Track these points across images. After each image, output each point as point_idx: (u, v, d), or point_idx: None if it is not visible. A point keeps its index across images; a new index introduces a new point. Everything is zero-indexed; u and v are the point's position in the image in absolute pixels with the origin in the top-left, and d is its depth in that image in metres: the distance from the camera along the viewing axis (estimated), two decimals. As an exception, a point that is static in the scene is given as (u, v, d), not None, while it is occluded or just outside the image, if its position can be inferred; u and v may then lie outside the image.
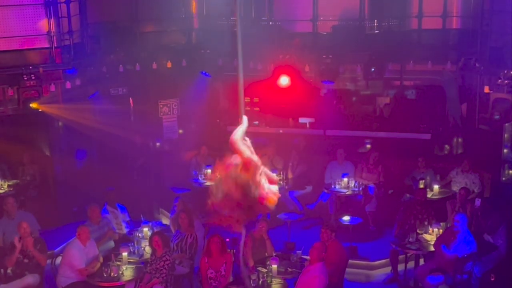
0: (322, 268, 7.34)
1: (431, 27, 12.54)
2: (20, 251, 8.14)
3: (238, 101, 4.01)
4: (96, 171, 11.51)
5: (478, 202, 9.40)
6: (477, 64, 11.33)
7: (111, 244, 9.06)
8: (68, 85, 10.82)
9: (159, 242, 8.01)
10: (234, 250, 8.53)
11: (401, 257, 9.16)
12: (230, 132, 3.86)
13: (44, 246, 8.40)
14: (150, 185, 11.30)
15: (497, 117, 11.38)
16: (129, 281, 7.96)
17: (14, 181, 10.68)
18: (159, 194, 11.10)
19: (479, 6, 11.75)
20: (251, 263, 8.06)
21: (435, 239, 8.66)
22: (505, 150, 10.34)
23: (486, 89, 11.07)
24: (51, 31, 10.30)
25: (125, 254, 8.19)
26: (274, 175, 4.00)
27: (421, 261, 8.99)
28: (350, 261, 8.47)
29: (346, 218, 9.80)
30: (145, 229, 9.02)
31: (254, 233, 8.40)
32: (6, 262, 8.16)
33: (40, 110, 10.48)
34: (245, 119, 3.95)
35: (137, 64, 12.12)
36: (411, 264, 9.11)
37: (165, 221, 10.52)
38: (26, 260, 8.19)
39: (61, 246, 9.67)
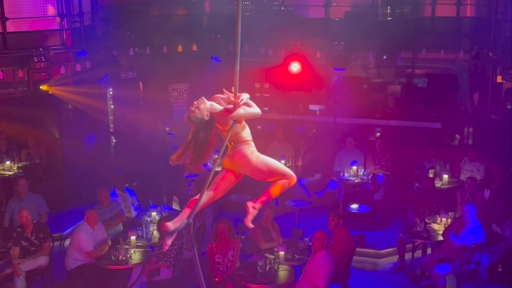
0: (325, 256, 7.34)
1: (444, 15, 12.39)
2: (24, 238, 8.21)
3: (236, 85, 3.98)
4: (106, 155, 11.53)
5: (487, 193, 9.37)
6: (490, 53, 11.19)
7: (120, 227, 9.11)
8: (78, 67, 10.81)
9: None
10: (243, 236, 8.56)
11: (408, 246, 9.15)
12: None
13: (48, 234, 8.43)
14: (159, 170, 11.27)
15: (509, 107, 11.29)
16: (136, 264, 8.01)
17: (24, 162, 10.73)
18: (168, 179, 11.09)
19: (494, -6, 11.59)
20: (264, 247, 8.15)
21: (443, 228, 8.64)
22: (516, 141, 10.26)
23: (499, 79, 10.95)
24: (61, 13, 10.27)
25: (133, 237, 8.23)
26: None
27: (428, 251, 8.98)
28: (357, 249, 8.49)
29: (354, 206, 9.79)
30: (154, 214, 9.05)
31: (261, 221, 8.41)
32: (12, 250, 8.23)
33: (50, 92, 10.49)
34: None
35: (148, 47, 12.08)
36: (418, 253, 9.11)
37: (175, 206, 10.54)
38: (32, 248, 8.25)
39: (70, 229, 9.74)
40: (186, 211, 3.97)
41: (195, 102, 3.91)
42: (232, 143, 4.02)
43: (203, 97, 3.95)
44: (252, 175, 4.07)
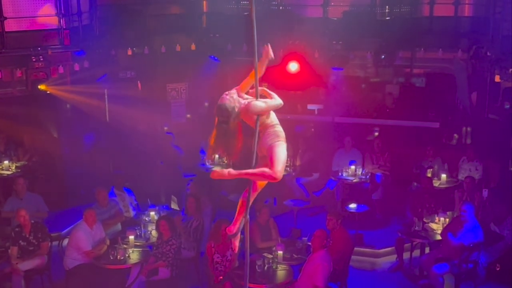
0: (324, 255, 7.35)
1: (443, 14, 12.40)
2: (23, 238, 8.21)
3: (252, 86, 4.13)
4: (104, 154, 11.51)
5: (485, 193, 9.38)
6: (488, 53, 11.20)
7: (118, 227, 9.11)
8: (76, 67, 10.80)
9: (166, 227, 8.04)
10: (242, 236, 8.54)
11: (406, 245, 9.16)
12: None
13: (46, 234, 8.41)
14: (158, 169, 11.28)
15: (507, 106, 11.30)
16: (135, 264, 8.01)
17: (22, 162, 10.72)
18: (166, 178, 11.09)
19: (492, -6, 11.60)
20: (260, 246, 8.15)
21: (441, 228, 8.66)
22: (514, 140, 10.29)
23: (497, 78, 10.96)
24: (60, 13, 10.26)
25: (131, 237, 8.24)
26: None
27: (427, 250, 8.99)
28: (355, 248, 8.50)
29: (353, 205, 9.80)
30: (152, 213, 9.05)
31: (259, 220, 8.42)
32: (10, 250, 8.22)
33: (48, 92, 10.48)
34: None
35: (146, 47, 12.07)
36: (416, 253, 9.13)
37: (174, 205, 10.56)
38: (30, 248, 8.25)
39: (68, 228, 9.74)
40: (241, 212, 4.13)
41: (227, 92, 4.02)
42: (262, 131, 4.11)
43: (235, 89, 4.08)
44: (265, 152, 4.09)
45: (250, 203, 4.12)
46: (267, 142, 4.06)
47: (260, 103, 4.02)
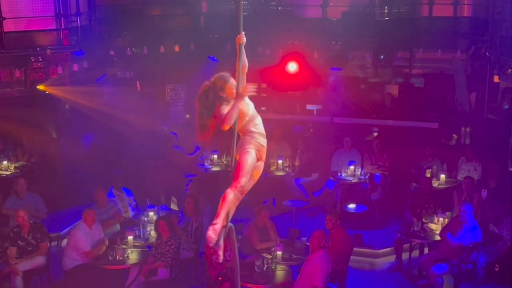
0: (323, 256, 7.35)
1: (441, 15, 12.41)
2: (21, 238, 8.21)
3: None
4: (103, 154, 11.52)
5: (484, 193, 9.38)
6: (487, 53, 11.21)
7: (117, 227, 9.10)
8: (75, 67, 10.81)
9: (165, 227, 8.04)
10: (240, 236, 8.55)
11: (405, 245, 9.16)
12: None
13: (45, 234, 8.40)
14: (158, 170, 11.27)
15: (506, 106, 11.31)
16: (134, 264, 8.01)
17: (21, 162, 10.72)
18: (165, 179, 11.09)
19: (491, -6, 11.61)
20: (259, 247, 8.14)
21: (440, 228, 8.66)
22: (513, 140, 10.30)
23: (496, 79, 10.97)
24: (59, 13, 10.26)
25: (130, 237, 8.24)
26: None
27: (426, 250, 8.99)
28: (354, 249, 8.48)
29: (352, 206, 9.81)
30: (151, 213, 9.04)
31: (257, 221, 8.40)
32: (9, 250, 8.21)
33: (47, 92, 10.47)
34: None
35: (145, 47, 12.07)
36: (415, 253, 9.12)
37: (173, 206, 10.54)
38: (29, 248, 8.24)
39: (67, 229, 9.74)
40: (217, 216, 4.16)
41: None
42: (242, 135, 4.19)
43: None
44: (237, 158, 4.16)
45: (232, 212, 4.16)
46: (239, 148, 4.13)
47: (223, 110, 4.09)
